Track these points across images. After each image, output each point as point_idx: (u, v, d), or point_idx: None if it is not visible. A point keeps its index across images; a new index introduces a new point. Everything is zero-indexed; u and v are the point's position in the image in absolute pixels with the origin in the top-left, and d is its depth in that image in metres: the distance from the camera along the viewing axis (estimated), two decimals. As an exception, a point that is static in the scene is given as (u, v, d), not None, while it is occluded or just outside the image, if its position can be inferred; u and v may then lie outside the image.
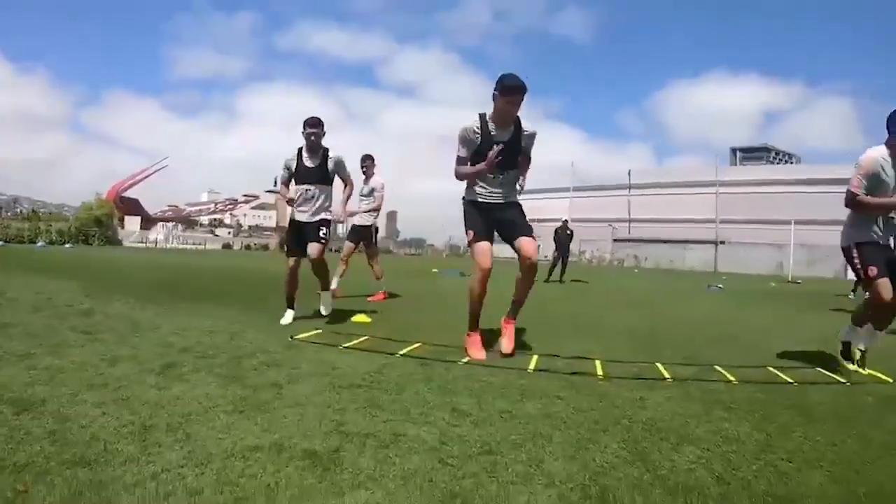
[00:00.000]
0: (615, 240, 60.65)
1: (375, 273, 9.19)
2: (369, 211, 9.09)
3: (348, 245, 9.24)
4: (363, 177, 8.99)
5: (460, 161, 4.67)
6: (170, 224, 59.50)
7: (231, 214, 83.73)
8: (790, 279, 31.15)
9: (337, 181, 6.24)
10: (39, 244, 34.74)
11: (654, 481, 2.25)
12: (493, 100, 4.44)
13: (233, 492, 1.99)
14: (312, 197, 5.97)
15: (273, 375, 3.65)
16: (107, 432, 2.49)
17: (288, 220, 6.44)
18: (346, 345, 4.75)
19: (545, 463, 2.40)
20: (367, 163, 9.01)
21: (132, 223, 55.06)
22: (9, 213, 46.69)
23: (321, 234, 5.96)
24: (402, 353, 4.51)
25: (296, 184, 6.02)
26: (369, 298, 8.65)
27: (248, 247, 56.79)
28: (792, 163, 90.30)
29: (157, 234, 53.68)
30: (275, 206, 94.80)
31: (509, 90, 4.36)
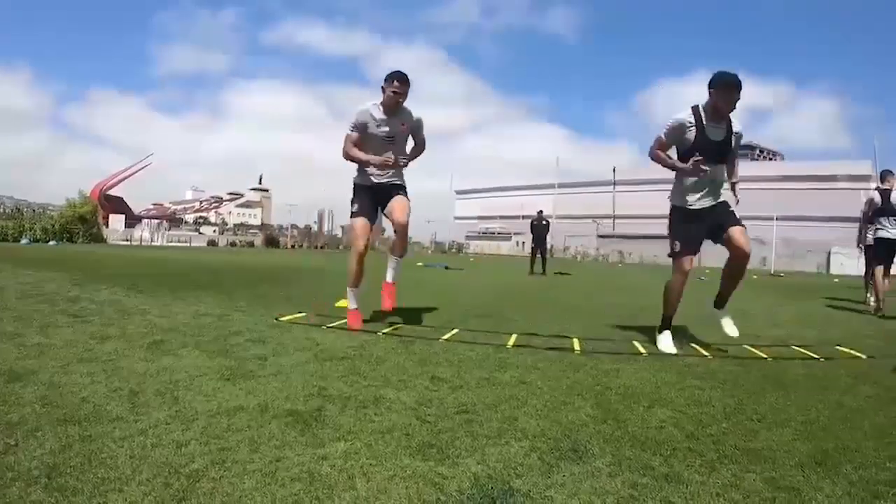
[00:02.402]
0: (600, 236, 61.03)
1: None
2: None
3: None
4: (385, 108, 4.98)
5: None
6: (155, 222, 59.07)
7: (216, 212, 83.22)
8: (772, 272, 31.50)
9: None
10: (24, 241, 34.52)
11: (625, 436, 2.36)
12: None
13: (217, 444, 2.08)
14: (713, 180, 4.47)
15: (259, 350, 3.74)
16: (97, 396, 2.57)
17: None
18: (330, 325, 4.84)
19: (519, 421, 2.51)
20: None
21: (117, 221, 54.68)
22: (-10, 213, 46.15)
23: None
24: (384, 331, 4.62)
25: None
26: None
27: (233, 244, 56.52)
28: (775, 160, 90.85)
29: (143, 231, 53.28)
30: (260, 205, 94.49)
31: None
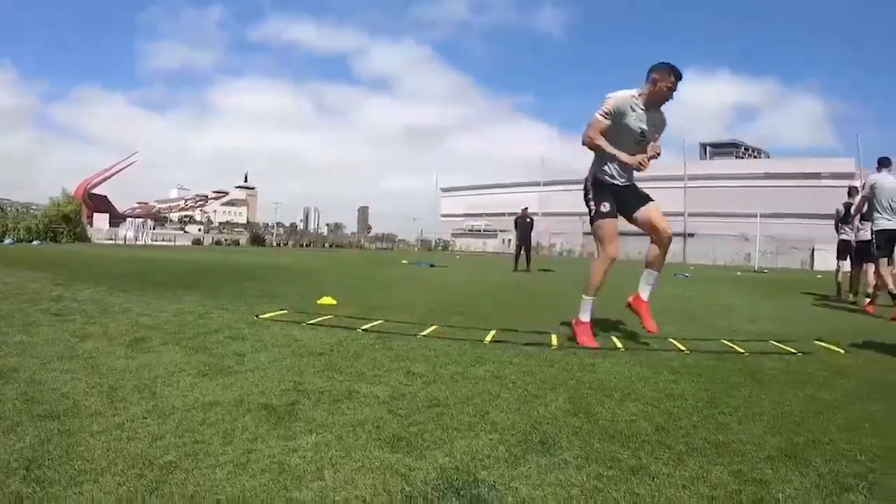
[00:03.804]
0: (585, 233, 61.03)
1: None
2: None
3: None
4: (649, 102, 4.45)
5: None
6: (139, 220, 58.71)
7: (201, 211, 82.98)
8: (756, 269, 31.69)
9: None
10: (7, 241, 34.26)
11: (594, 429, 2.40)
12: None
13: (192, 437, 2.13)
14: None
15: (237, 346, 3.78)
16: (76, 392, 2.62)
17: None
18: (309, 322, 4.87)
19: (490, 414, 2.56)
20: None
21: (101, 220, 54.32)
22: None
23: None
24: (363, 328, 4.65)
25: None
26: None
27: (218, 242, 56.29)
28: (760, 157, 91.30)
29: (127, 230, 52.94)
30: (245, 203, 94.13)
31: None
